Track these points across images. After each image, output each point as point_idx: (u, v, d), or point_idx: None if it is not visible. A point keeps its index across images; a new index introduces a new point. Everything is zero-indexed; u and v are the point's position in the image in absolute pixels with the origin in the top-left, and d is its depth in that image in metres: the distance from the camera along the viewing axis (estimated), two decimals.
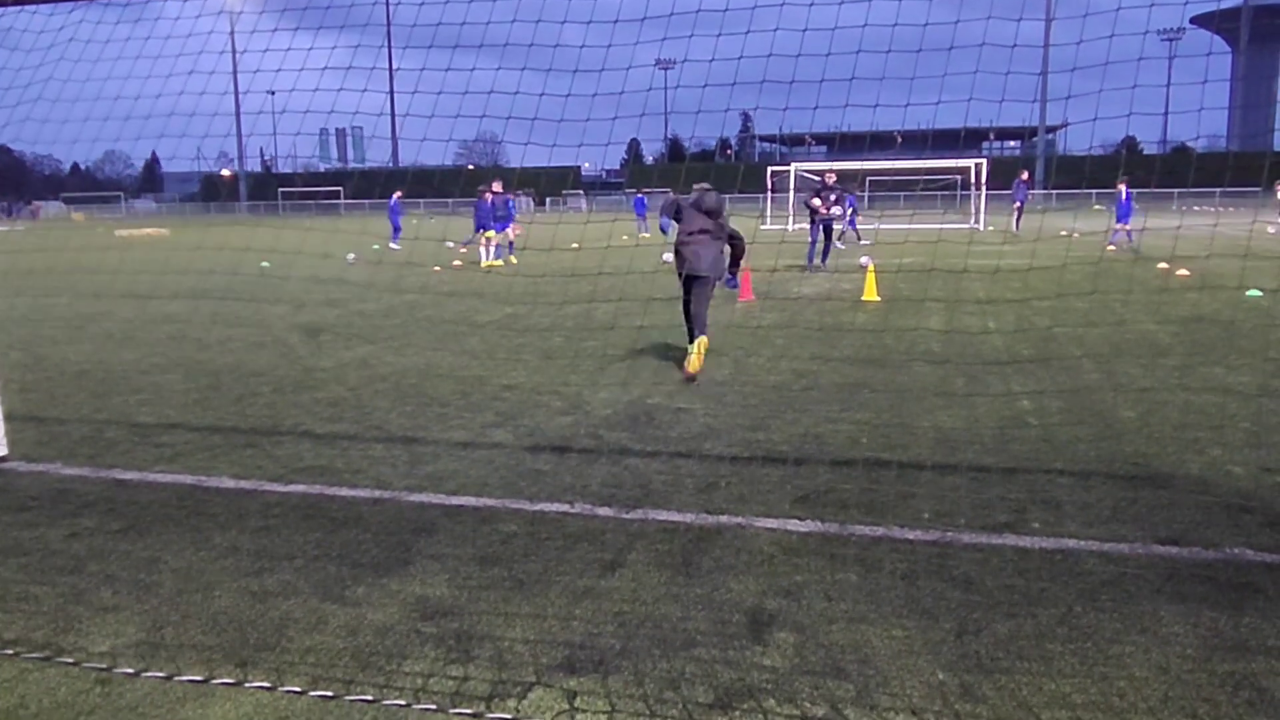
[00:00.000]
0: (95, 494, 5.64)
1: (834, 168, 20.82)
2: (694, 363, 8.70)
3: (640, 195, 40.12)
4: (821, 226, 19.42)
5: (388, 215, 29.64)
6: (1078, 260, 18.98)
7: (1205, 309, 12.31)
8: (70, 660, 3.59)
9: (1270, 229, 26.67)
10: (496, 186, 23.36)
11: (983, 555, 4.52)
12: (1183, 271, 16.45)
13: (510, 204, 23.65)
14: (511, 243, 23.48)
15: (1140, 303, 13.36)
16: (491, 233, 22.68)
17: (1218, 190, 64.73)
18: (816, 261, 19.23)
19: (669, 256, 21.91)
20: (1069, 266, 18.45)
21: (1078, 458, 6.07)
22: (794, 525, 4.93)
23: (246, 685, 3.40)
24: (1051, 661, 3.50)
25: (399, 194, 30.28)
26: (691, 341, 8.95)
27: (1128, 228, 23.22)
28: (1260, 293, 13.28)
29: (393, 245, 27.99)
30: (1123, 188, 23.54)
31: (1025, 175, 32.58)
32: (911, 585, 4.18)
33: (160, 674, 3.47)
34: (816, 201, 18.75)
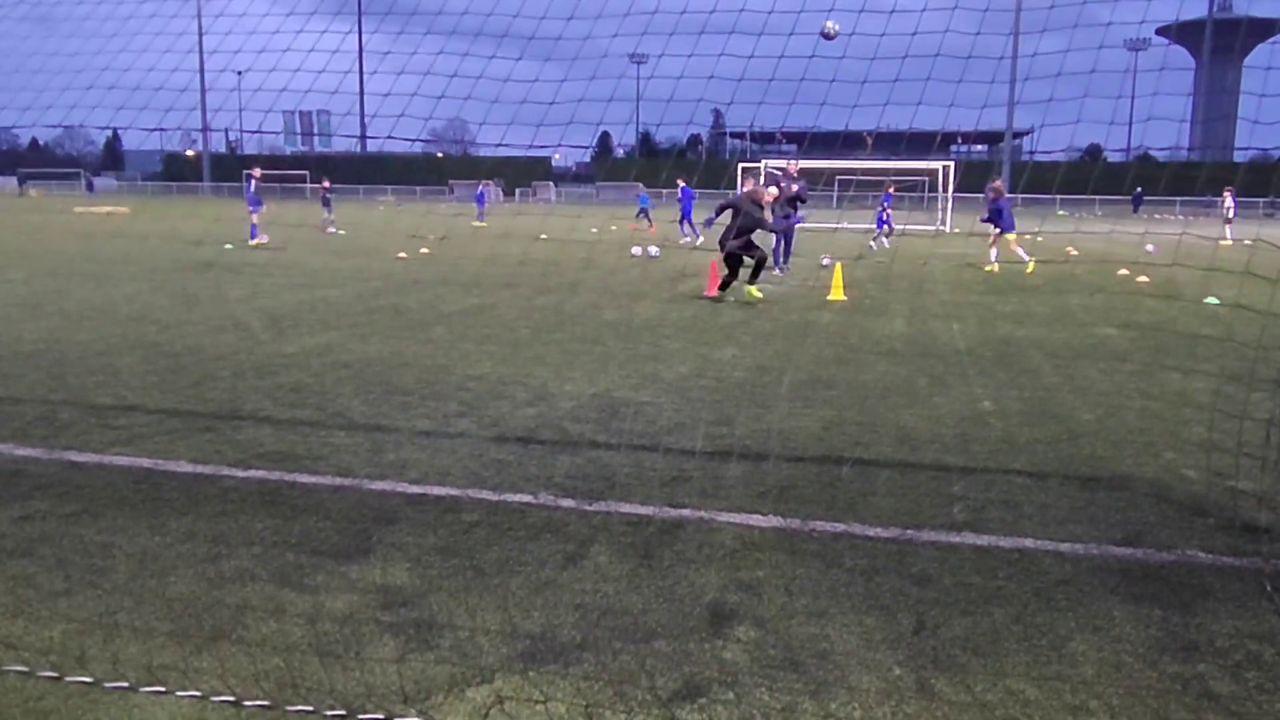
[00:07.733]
0: (49, 476, 5.53)
1: (802, 165, 20.65)
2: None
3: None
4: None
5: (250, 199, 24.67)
6: (1041, 263, 19.21)
7: (1164, 316, 12.51)
8: (20, 646, 3.52)
9: (1223, 240, 27.04)
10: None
11: (941, 553, 4.57)
12: (1142, 278, 16.70)
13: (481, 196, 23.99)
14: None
15: (1101, 308, 13.55)
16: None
17: (1178, 199, 65.85)
18: (782, 262, 19.03)
19: (637, 250, 22.05)
20: (1035, 271, 18.69)
21: (1037, 459, 6.15)
22: (756, 520, 4.95)
23: (202, 671, 3.36)
24: (1006, 659, 3.54)
25: (256, 173, 25.42)
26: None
27: (884, 233, 25.36)
28: (1218, 301, 13.52)
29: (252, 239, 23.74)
30: (891, 191, 26.10)
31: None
32: (870, 581, 4.22)
33: (109, 664, 3.42)
34: (773, 190, 17.96)
